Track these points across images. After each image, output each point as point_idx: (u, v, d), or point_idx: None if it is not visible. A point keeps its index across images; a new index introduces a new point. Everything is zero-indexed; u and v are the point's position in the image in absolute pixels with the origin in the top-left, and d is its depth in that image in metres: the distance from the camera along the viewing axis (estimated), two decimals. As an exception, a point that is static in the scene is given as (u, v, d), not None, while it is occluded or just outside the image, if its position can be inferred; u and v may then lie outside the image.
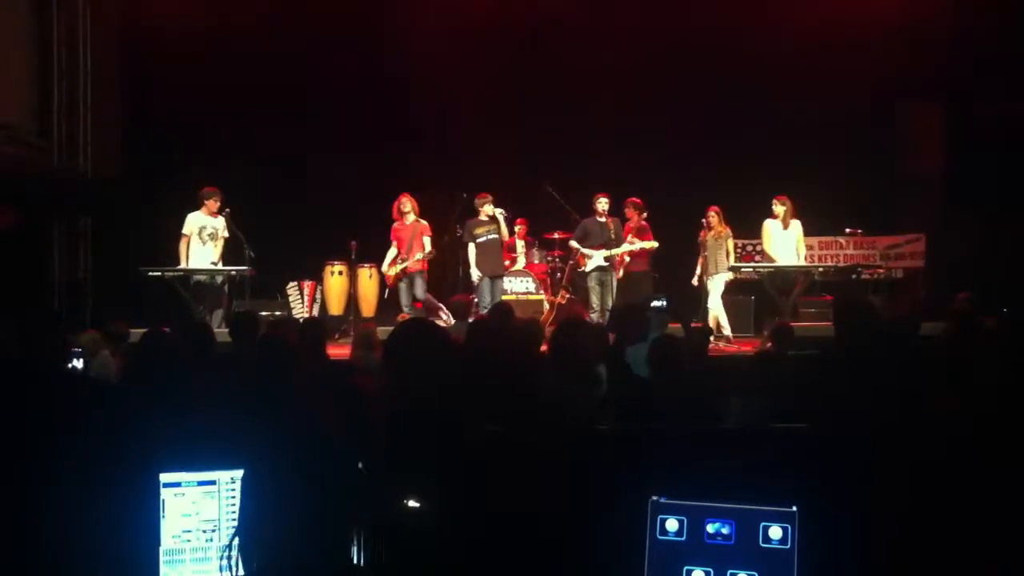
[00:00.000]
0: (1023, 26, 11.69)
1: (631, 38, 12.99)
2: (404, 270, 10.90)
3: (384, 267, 11.12)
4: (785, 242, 11.04)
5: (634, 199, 11.38)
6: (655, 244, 11.29)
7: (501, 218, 11.01)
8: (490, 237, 11.01)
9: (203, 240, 10.50)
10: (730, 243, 11.19)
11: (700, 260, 11.12)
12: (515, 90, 13.13)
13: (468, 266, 11.15)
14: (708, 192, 11.57)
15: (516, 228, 12.43)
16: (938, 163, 13.42)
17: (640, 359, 5.24)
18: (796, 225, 11.04)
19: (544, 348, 6.39)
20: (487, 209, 11.00)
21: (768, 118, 12.93)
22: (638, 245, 11.22)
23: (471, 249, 11.04)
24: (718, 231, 11.00)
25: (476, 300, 10.83)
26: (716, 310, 10.88)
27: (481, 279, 11.01)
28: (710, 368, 6.80)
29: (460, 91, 12.96)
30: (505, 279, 11.57)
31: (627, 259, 11.32)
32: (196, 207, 10.54)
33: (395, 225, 11.03)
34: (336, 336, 10.60)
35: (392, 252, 11.06)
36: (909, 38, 12.53)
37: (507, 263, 11.78)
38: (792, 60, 12.79)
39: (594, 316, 10.62)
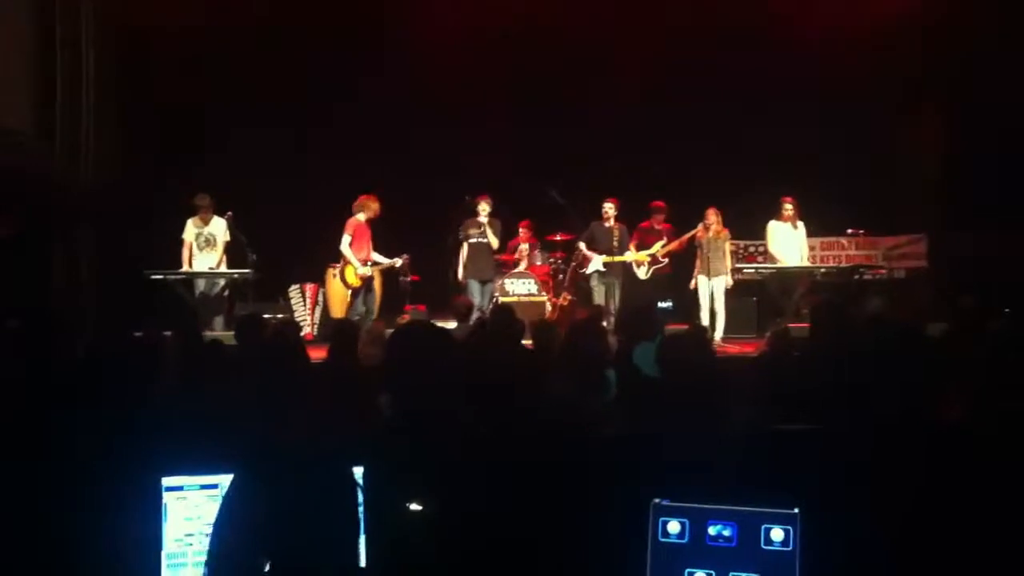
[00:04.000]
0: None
1: (637, 41, 12.97)
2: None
3: (361, 266, 10.66)
4: (792, 243, 11.11)
5: (658, 203, 11.53)
6: (659, 249, 11.32)
7: (485, 222, 10.93)
8: (481, 240, 10.98)
9: (199, 247, 10.58)
10: (727, 245, 11.20)
11: (697, 261, 11.16)
12: (521, 92, 13.10)
13: (458, 265, 11.15)
14: (710, 194, 11.57)
15: (520, 230, 12.42)
16: (942, 163, 13.40)
17: (648, 359, 5.23)
18: (802, 226, 11.13)
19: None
20: (482, 211, 10.97)
21: (771, 119, 12.92)
22: (642, 254, 11.24)
23: (463, 249, 11.04)
24: (717, 231, 11.02)
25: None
26: (720, 311, 10.91)
27: (469, 280, 10.96)
28: (719, 366, 6.79)
29: (464, 92, 12.95)
30: (507, 281, 11.56)
31: (664, 260, 11.36)
32: (195, 212, 10.63)
33: (362, 222, 10.71)
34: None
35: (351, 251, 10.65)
36: (913, 38, 12.56)
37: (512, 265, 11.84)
38: (795, 60, 12.78)
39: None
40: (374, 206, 10.61)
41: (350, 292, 10.73)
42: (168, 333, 6.01)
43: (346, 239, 10.51)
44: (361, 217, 10.61)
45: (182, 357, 5.03)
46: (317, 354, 6.43)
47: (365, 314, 10.58)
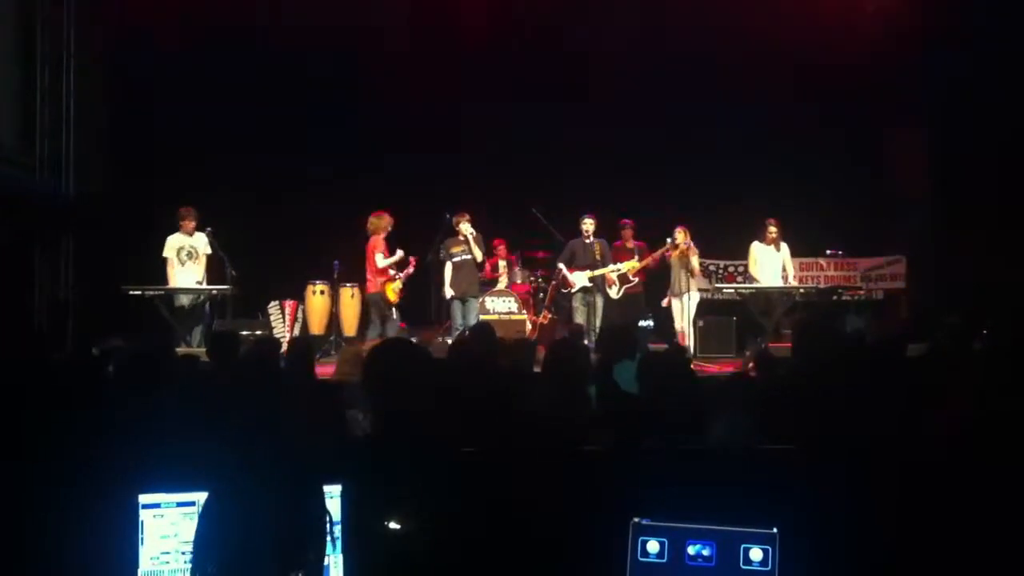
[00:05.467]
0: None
1: (619, 59, 13.04)
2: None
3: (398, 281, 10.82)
4: (773, 264, 11.18)
5: (626, 220, 11.50)
6: (636, 265, 11.34)
7: (471, 238, 10.91)
8: (464, 257, 10.95)
9: (182, 261, 10.57)
10: (695, 261, 11.26)
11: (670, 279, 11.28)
12: (502, 110, 13.11)
13: (442, 284, 11.13)
14: (690, 213, 11.61)
15: (497, 248, 12.41)
16: (921, 184, 13.49)
17: (628, 377, 5.23)
18: (784, 247, 11.21)
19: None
20: (463, 228, 10.93)
21: (752, 141, 13.00)
22: (624, 266, 11.26)
23: (447, 268, 11.01)
24: (683, 250, 11.08)
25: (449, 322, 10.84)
26: (687, 328, 10.99)
27: (453, 299, 10.93)
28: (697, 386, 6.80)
29: (445, 109, 12.97)
30: (487, 299, 11.55)
31: (634, 279, 11.37)
32: (176, 227, 10.61)
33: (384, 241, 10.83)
34: (318, 356, 10.54)
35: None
36: (892, 62, 12.71)
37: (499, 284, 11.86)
38: (776, 83, 12.87)
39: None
40: (390, 221, 10.68)
41: (390, 309, 10.73)
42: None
43: (380, 255, 10.55)
44: (381, 235, 10.67)
45: (122, 372, 4.95)
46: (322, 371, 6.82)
47: (386, 330, 10.63)
